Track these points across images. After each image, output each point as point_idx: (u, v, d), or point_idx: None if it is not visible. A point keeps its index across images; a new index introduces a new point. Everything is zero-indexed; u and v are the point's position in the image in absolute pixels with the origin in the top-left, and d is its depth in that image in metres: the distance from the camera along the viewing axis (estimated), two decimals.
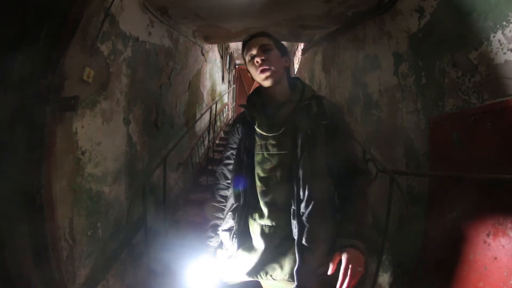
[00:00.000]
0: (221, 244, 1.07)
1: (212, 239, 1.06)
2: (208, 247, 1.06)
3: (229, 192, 1.06)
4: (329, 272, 0.77)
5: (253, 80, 1.00)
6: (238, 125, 1.04)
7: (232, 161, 1.06)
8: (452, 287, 1.32)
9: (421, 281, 1.54)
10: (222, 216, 1.06)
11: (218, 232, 1.05)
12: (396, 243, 1.80)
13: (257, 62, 0.91)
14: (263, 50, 0.93)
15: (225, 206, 1.07)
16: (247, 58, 0.97)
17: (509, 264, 1.06)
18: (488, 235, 1.16)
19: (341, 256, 0.77)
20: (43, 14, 1.28)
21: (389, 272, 1.85)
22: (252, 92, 1.06)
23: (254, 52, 0.94)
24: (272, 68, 0.91)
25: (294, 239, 0.86)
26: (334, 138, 0.92)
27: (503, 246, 1.09)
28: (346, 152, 0.94)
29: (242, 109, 1.02)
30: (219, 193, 1.09)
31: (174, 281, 1.79)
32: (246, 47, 0.98)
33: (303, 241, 0.84)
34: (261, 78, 0.92)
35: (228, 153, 1.08)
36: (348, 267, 0.75)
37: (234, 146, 1.05)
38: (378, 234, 1.94)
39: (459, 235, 1.32)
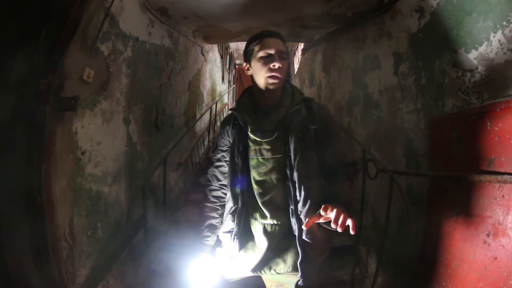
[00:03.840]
0: (218, 243, 1.09)
1: (209, 238, 1.08)
2: (205, 246, 1.08)
3: (225, 195, 1.09)
4: (322, 212, 0.76)
5: (246, 71, 0.99)
6: (228, 127, 1.04)
7: (223, 163, 1.08)
8: (452, 287, 1.32)
9: (421, 281, 1.54)
10: (217, 216, 1.10)
11: (215, 231, 1.08)
12: (396, 243, 1.80)
13: (274, 66, 0.89)
14: (281, 56, 0.92)
15: (218, 206, 1.10)
16: (261, 53, 0.91)
17: (509, 264, 1.06)
18: (488, 235, 1.16)
19: (329, 208, 0.76)
20: (43, 14, 1.28)
21: (389, 272, 1.85)
22: (242, 93, 1.06)
23: (272, 52, 0.91)
24: (282, 77, 0.92)
25: (294, 234, 0.92)
26: (323, 139, 0.96)
27: (503, 246, 1.09)
28: (335, 151, 0.99)
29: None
30: (212, 194, 1.12)
31: (174, 281, 1.80)
32: (263, 42, 0.93)
33: (303, 237, 0.91)
34: (268, 82, 0.91)
35: (219, 155, 1.09)
36: (339, 211, 0.76)
37: (225, 148, 1.07)
38: (378, 234, 1.94)
39: (459, 235, 1.32)
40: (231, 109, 1.03)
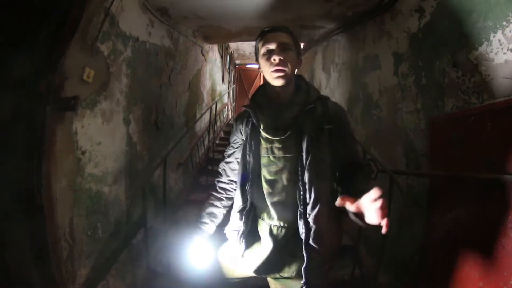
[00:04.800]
0: (225, 240, 1.09)
1: (206, 225, 1.08)
2: (201, 231, 1.07)
3: (233, 190, 1.10)
4: (373, 194, 0.63)
5: (259, 70, 0.98)
6: (241, 124, 1.03)
7: (233, 160, 1.07)
8: (452, 287, 1.32)
9: (421, 281, 1.54)
10: (220, 206, 1.10)
11: (214, 220, 1.09)
12: (396, 243, 1.80)
13: (274, 60, 0.88)
14: (282, 48, 0.89)
15: (224, 197, 1.11)
16: (263, 50, 0.92)
17: (509, 264, 1.06)
18: (488, 235, 1.16)
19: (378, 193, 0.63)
20: (43, 14, 1.27)
21: (389, 272, 1.85)
22: (257, 90, 1.04)
23: (272, 47, 0.89)
24: (287, 69, 0.89)
25: (301, 238, 0.88)
26: (338, 140, 0.92)
27: (503, 246, 1.09)
28: (349, 153, 0.95)
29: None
30: (220, 186, 1.13)
31: (174, 281, 1.79)
32: (264, 38, 0.92)
33: (310, 241, 0.87)
34: (273, 77, 0.89)
35: (230, 152, 1.08)
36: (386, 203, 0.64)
37: (236, 145, 1.06)
38: (378, 234, 1.94)
39: (459, 235, 1.32)
40: (244, 106, 1.00)
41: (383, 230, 0.63)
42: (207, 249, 1.05)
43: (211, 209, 1.10)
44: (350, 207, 0.69)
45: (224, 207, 1.12)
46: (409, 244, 1.66)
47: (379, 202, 0.62)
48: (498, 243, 1.11)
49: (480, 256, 1.19)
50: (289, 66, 0.89)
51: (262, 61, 0.92)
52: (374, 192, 0.62)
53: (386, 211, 0.63)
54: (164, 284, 1.92)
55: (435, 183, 1.55)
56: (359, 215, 0.70)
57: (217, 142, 5.08)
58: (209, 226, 1.09)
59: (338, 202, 0.69)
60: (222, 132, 5.83)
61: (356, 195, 0.69)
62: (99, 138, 1.75)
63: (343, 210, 0.98)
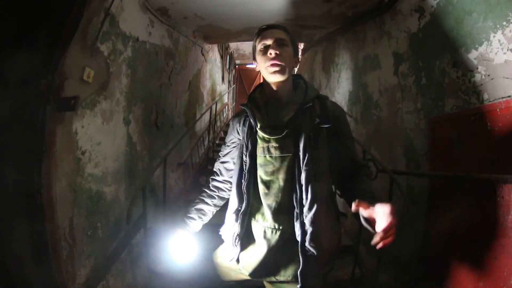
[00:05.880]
0: (220, 242, 1.07)
1: (192, 221, 1.07)
2: (186, 225, 1.06)
3: (226, 189, 1.09)
4: (386, 209, 0.66)
5: (256, 69, 0.97)
6: (238, 124, 1.01)
7: (229, 160, 1.06)
8: (452, 287, 1.32)
9: (421, 281, 1.54)
10: (211, 204, 1.09)
11: (202, 218, 1.08)
12: (396, 243, 1.80)
13: (270, 54, 0.87)
14: (279, 43, 0.90)
15: (216, 195, 1.10)
16: (259, 46, 0.92)
17: (509, 264, 1.06)
18: (488, 235, 1.16)
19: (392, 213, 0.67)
20: (43, 14, 1.28)
21: (389, 272, 1.85)
22: (255, 89, 1.03)
23: (269, 42, 0.90)
24: (283, 64, 0.88)
25: (297, 241, 0.86)
26: (336, 140, 0.91)
27: (503, 246, 1.09)
28: (348, 153, 0.94)
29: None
30: (213, 184, 1.11)
31: (174, 282, 1.79)
32: (261, 35, 0.93)
33: (306, 244, 0.84)
34: (270, 71, 0.89)
35: (226, 151, 1.07)
36: (393, 223, 0.66)
37: (232, 145, 1.05)
38: None
39: (459, 235, 1.32)
40: (241, 105, 0.99)
41: (377, 246, 0.65)
42: (190, 245, 1.03)
43: (201, 206, 1.08)
44: (363, 212, 0.70)
45: (215, 205, 1.10)
46: (409, 244, 1.66)
47: (388, 221, 0.65)
48: (498, 243, 1.11)
49: (480, 256, 1.19)
50: (286, 61, 0.89)
51: (259, 57, 0.93)
52: (388, 208, 0.66)
53: (391, 232, 0.65)
54: (164, 284, 1.92)
55: (435, 183, 1.55)
56: (370, 221, 0.70)
57: (217, 142, 5.07)
58: (196, 223, 1.07)
59: (353, 207, 0.69)
60: (222, 132, 5.83)
61: (366, 199, 0.71)
62: (99, 138, 1.75)
63: (342, 212, 0.98)
